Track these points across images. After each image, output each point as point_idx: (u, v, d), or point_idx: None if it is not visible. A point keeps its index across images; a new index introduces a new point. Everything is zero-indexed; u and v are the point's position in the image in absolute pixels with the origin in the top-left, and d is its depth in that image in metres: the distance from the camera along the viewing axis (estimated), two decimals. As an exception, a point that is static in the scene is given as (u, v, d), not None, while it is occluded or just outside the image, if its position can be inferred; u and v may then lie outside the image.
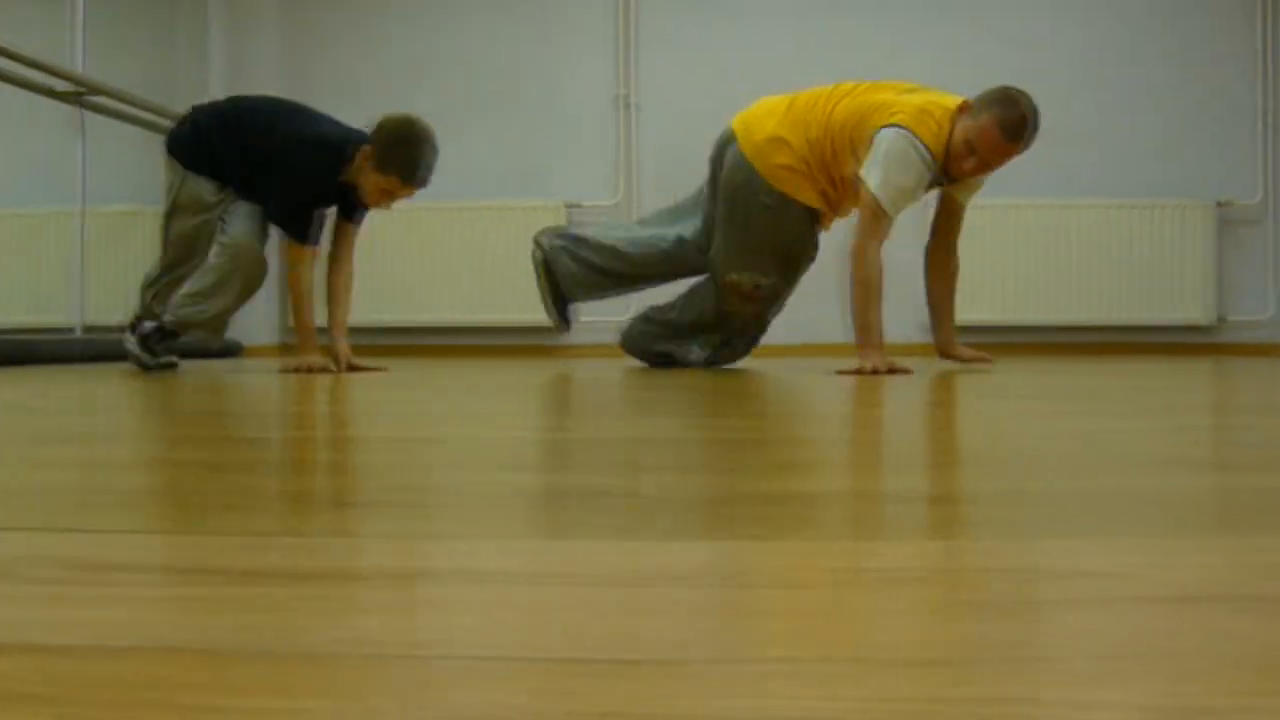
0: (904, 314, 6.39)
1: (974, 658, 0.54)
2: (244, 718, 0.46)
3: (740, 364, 4.82)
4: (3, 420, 2.03)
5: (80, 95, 6.16)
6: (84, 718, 0.46)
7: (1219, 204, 7.32)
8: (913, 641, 0.57)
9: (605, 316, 7.20)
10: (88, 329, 6.55)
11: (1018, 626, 0.59)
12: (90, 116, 6.37)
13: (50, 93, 6.00)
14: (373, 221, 7.54)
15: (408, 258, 7.55)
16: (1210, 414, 2.13)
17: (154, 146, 7.42)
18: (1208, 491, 1.09)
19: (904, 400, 2.55)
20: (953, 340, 4.57)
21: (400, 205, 7.50)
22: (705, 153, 7.10)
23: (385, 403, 2.48)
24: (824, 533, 0.87)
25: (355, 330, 7.60)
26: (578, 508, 0.99)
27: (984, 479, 1.17)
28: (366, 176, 4.44)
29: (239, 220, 4.46)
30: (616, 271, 4.66)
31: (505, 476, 1.21)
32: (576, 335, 7.53)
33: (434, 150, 4.45)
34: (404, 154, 4.39)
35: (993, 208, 7.34)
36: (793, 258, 4.45)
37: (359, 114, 7.67)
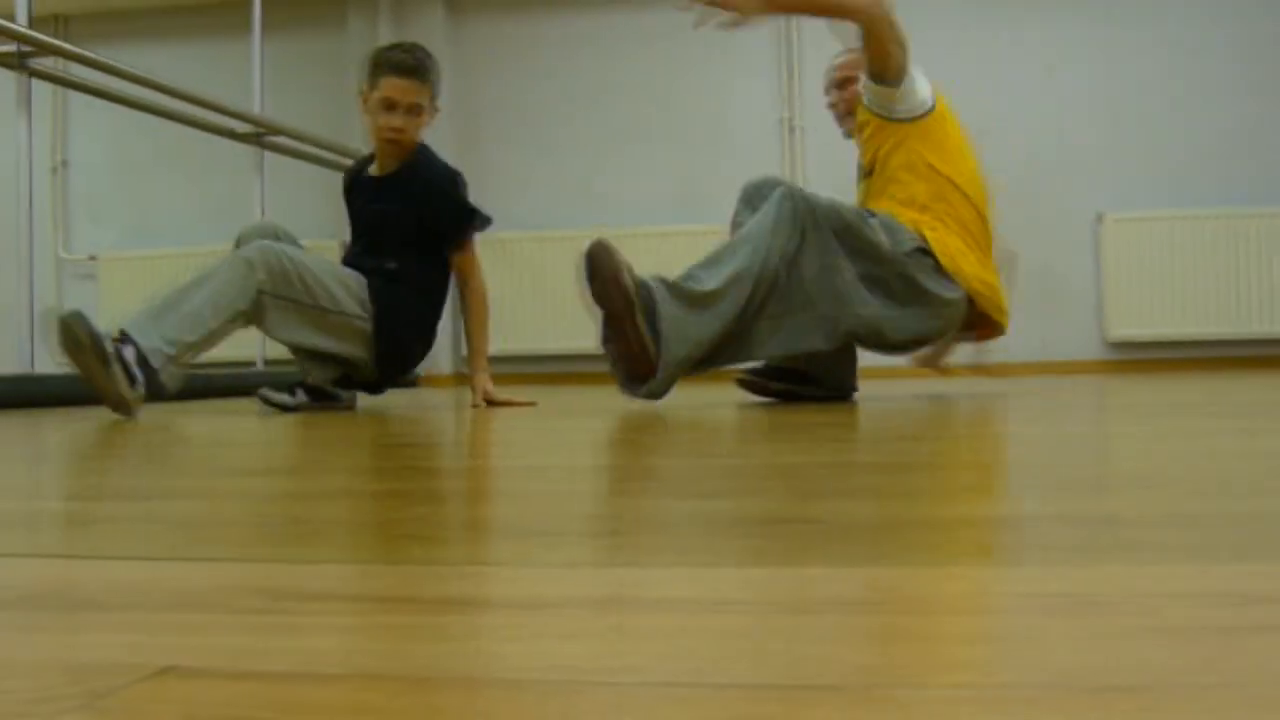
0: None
1: (1158, 683, 0.54)
2: (450, 742, 0.48)
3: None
4: (199, 453, 2.11)
5: (259, 135, 6.37)
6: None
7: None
8: (1096, 667, 0.57)
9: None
10: (269, 362, 6.75)
11: (1200, 652, 0.59)
12: (269, 155, 6.57)
13: (231, 134, 6.21)
14: (539, 249, 7.68)
15: (569, 286, 7.64)
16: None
17: (330, 183, 7.65)
18: None
19: (1076, 418, 2.51)
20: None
21: (558, 232, 7.62)
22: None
23: (554, 431, 2.52)
24: (1001, 558, 0.87)
25: (524, 359, 7.73)
26: (752, 535, 1.00)
27: (1166, 500, 1.16)
28: (367, 118, 4.19)
29: None
30: None
31: (678, 504, 1.23)
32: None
33: (391, 46, 4.24)
34: (371, 62, 4.19)
35: (1171, 219, 7.19)
36: None
37: (524, 142, 7.84)
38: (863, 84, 3.97)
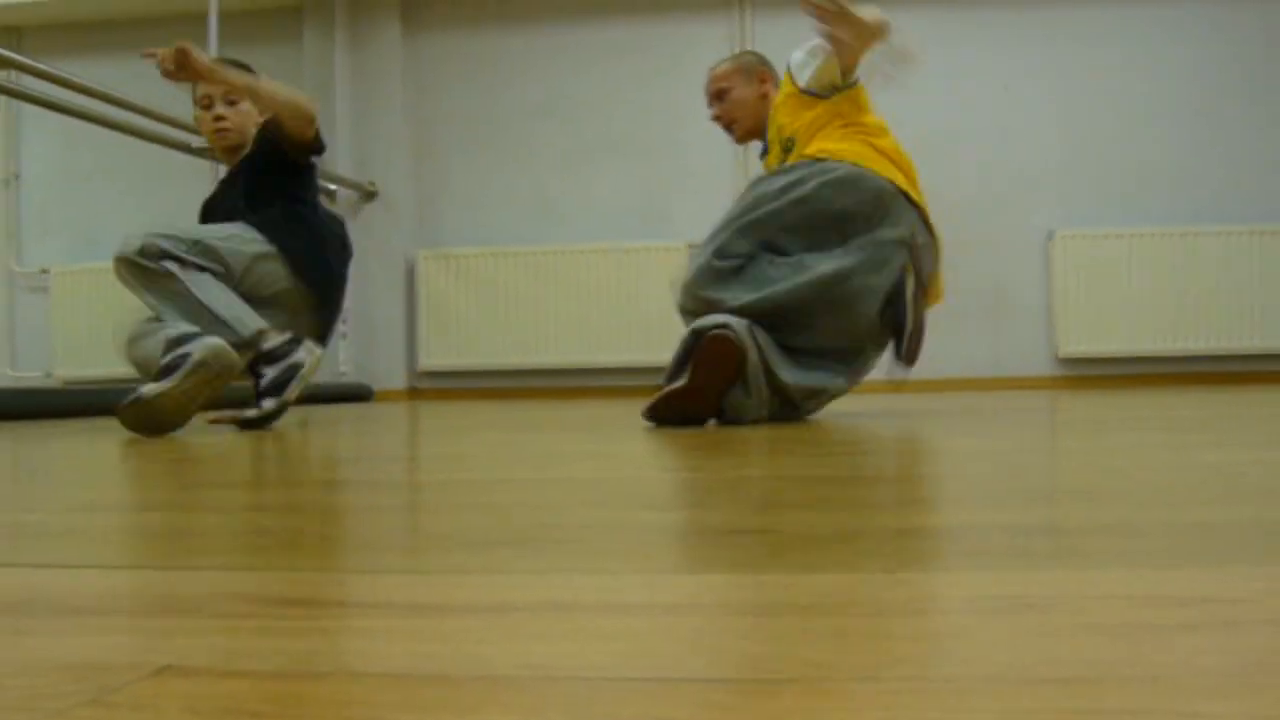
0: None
1: (1091, 676, 0.58)
2: (438, 730, 0.52)
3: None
4: (168, 468, 2.13)
5: (210, 150, 6.36)
6: (298, 731, 0.52)
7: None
8: (1036, 661, 0.61)
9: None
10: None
11: (1135, 648, 0.64)
12: (221, 169, 6.57)
13: (186, 148, 6.22)
14: (495, 264, 7.71)
15: (532, 301, 7.66)
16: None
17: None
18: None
19: (1024, 432, 2.57)
20: None
21: (516, 248, 7.65)
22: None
23: (516, 445, 2.56)
24: (944, 564, 0.92)
25: (482, 374, 7.75)
26: (710, 544, 1.04)
27: (1105, 510, 1.21)
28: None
29: None
30: None
31: (640, 515, 1.27)
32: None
33: None
34: None
35: (1121, 237, 7.29)
36: None
37: (481, 157, 7.88)
38: (801, 65, 3.93)
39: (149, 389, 3.23)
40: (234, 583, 0.90)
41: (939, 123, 7.42)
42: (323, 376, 7.58)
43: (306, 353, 3.61)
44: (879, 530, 1.09)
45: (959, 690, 0.56)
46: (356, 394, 7.33)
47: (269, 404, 3.60)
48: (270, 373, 3.60)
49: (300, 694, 0.58)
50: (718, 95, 4.22)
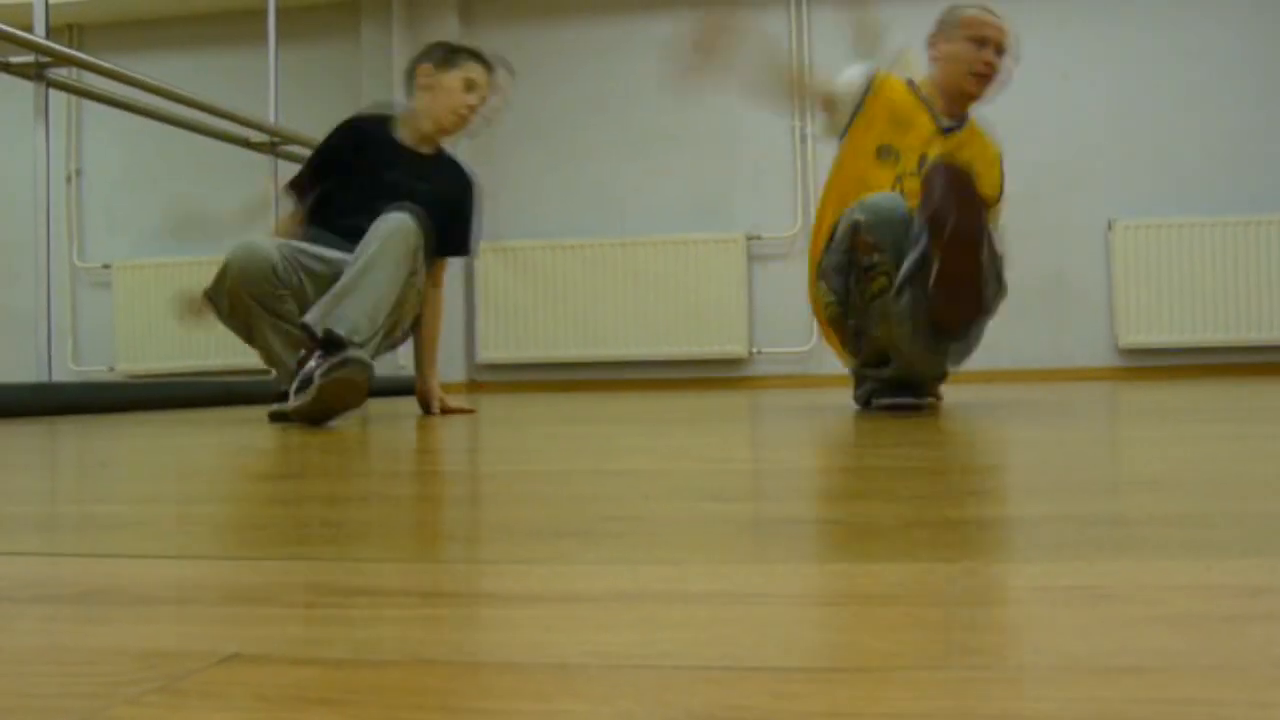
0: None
1: (1162, 665, 0.58)
2: (508, 718, 0.52)
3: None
4: (222, 460, 2.15)
5: (274, 144, 6.42)
6: (366, 717, 0.52)
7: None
8: (1104, 650, 0.61)
9: (787, 348, 7.26)
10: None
11: (1206, 638, 0.63)
12: (284, 165, 6.63)
13: (245, 143, 6.26)
14: (553, 257, 7.73)
15: (590, 293, 7.67)
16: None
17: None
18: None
19: (1089, 423, 2.55)
20: None
21: (573, 241, 7.66)
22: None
23: (576, 437, 2.56)
24: (1016, 554, 0.91)
25: (541, 366, 7.78)
26: (774, 534, 1.04)
27: (1173, 500, 1.19)
28: (426, 94, 4.11)
29: None
30: None
31: (703, 506, 1.27)
32: (760, 366, 7.59)
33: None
34: (443, 48, 4.15)
35: (1182, 226, 7.22)
36: None
37: (538, 150, 7.90)
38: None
39: (290, 406, 3.27)
40: (300, 572, 0.91)
41: (999, 113, 7.36)
42: (382, 370, 7.62)
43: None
44: (943, 520, 1.09)
45: (1028, 679, 0.56)
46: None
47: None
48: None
49: (368, 682, 0.59)
50: (999, 50, 3.91)
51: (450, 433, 2.90)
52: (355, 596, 0.81)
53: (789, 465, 1.74)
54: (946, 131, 3.81)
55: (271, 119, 6.49)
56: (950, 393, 4.95)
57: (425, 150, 4.14)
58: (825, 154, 7.56)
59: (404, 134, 4.12)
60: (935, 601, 0.74)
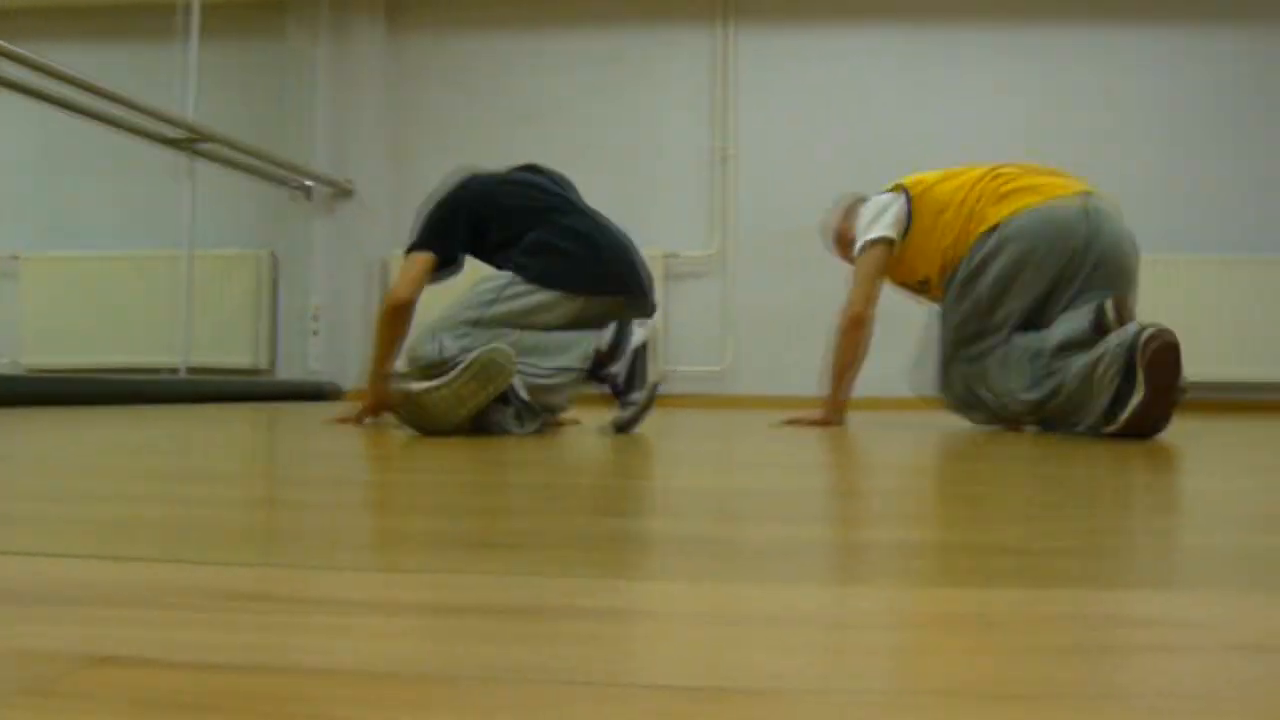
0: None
1: (1046, 694, 0.58)
2: (382, 729, 0.51)
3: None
4: (119, 460, 2.11)
5: (191, 142, 6.34)
6: (240, 725, 0.51)
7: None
8: (991, 678, 0.61)
9: (701, 366, 7.27)
10: (191, 369, 6.72)
11: (1092, 667, 0.63)
12: (200, 163, 6.55)
13: (161, 139, 6.19)
14: (470, 265, 7.70)
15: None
16: (1266, 476, 2.14)
17: (259, 193, 7.62)
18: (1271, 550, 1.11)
19: (997, 449, 2.57)
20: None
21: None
22: (800, 204, 7.15)
23: (478, 448, 2.54)
24: (910, 579, 0.91)
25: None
26: (672, 554, 1.03)
27: (1070, 530, 1.20)
28: None
29: None
30: None
31: (606, 522, 1.26)
32: (673, 385, 7.59)
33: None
34: None
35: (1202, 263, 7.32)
36: None
37: (464, 158, 7.86)
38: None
39: (419, 386, 3.14)
40: (183, 576, 0.89)
41: (919, 145, 7.44)
42: (292, 374, 7.55)
43: (639, 326, 3.48)
44: (836, 543, 1.09)
45: (910, 705, 0.56)
46: (323, 392, 7.30)
47: (637, 396, 3.48)
48: (619, 369, 3.47)
49: (242, 688, 0.57)
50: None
51: (351, 439, 2.87)
52: (235, 601, 0.79)
53: (684, 484, 1.74)
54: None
55: (190, 114, 6.41)
56: (873, 418, 4.97)
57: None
58: (744, 174, 7.61)
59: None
60: (824, 624, 0.74)
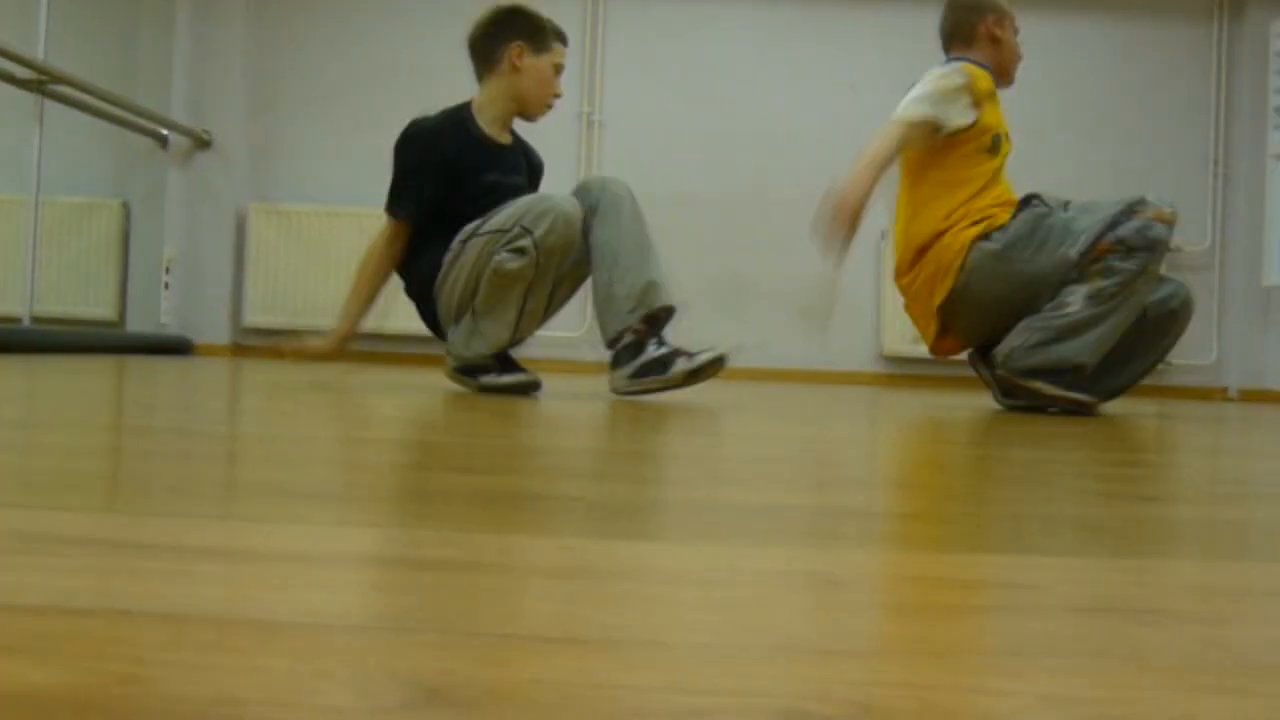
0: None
1: (882, 650, 0.58)
2: (199, 673, 0.49)
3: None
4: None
5: (41, 84, 6.15)
6: (53, 666, 0.49)
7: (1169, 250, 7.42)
8: (828, 634, 0.61)
9: (558, 332, 7.26)
10: (36, 319, 6.53)
11: (927, 626, 0.64)
12: (50, 106, 6.35)
13: (10, 79, 5.99)
14: (327, 224, 7.60)
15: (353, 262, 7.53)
16: (1157, 453, 2.19)
17: (113, 140, 7.43)
18: (1132, 520, 1.13)
19: (850, 424, 2.60)
20: None
21: (348, 209, 7.53)
22: (668, 170, 7.17)
23: (333, 405, 2.51)
24: (752, 539, 0.91)
25: (308, 334, 7.64)
26: (513, 508, 1.02)
27: (917, 498, 1.22)
28: (512, 78, 3.81)
29: None
30: None
31: (448, 477, 1.25)
32: (529, 350, 7.56)
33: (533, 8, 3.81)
34: (531, 23, 3.82)
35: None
36: None
37: (320, 115, 7.73)
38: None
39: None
40: (13, 520, 0.85)
41: (781, 121, 7.49)
42: (142, 326, 7.39)
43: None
44: (687, 503, 1.09)
45: (747, 658, 0.55)
46: (175, 346, 7.15)
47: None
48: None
49: (65, 630, 0.55)
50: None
51: (200, 393, 2.81)
52: (64, 546, 0.76)
53: (538, 443, 1.72)
54: None
55: (40, 55, 6.21)
56: (729, 390, 5.01)
57: (505, 140, 3.86)
58: (610, 140, 7.59)
59: (484, 123, 3.81)
60: (664, 580, 0.73)
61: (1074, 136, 7.62)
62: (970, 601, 0.71)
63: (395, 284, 3.75)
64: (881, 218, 7.57)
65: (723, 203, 7.46)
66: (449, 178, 3.60)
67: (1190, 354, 7.42)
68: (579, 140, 7.66)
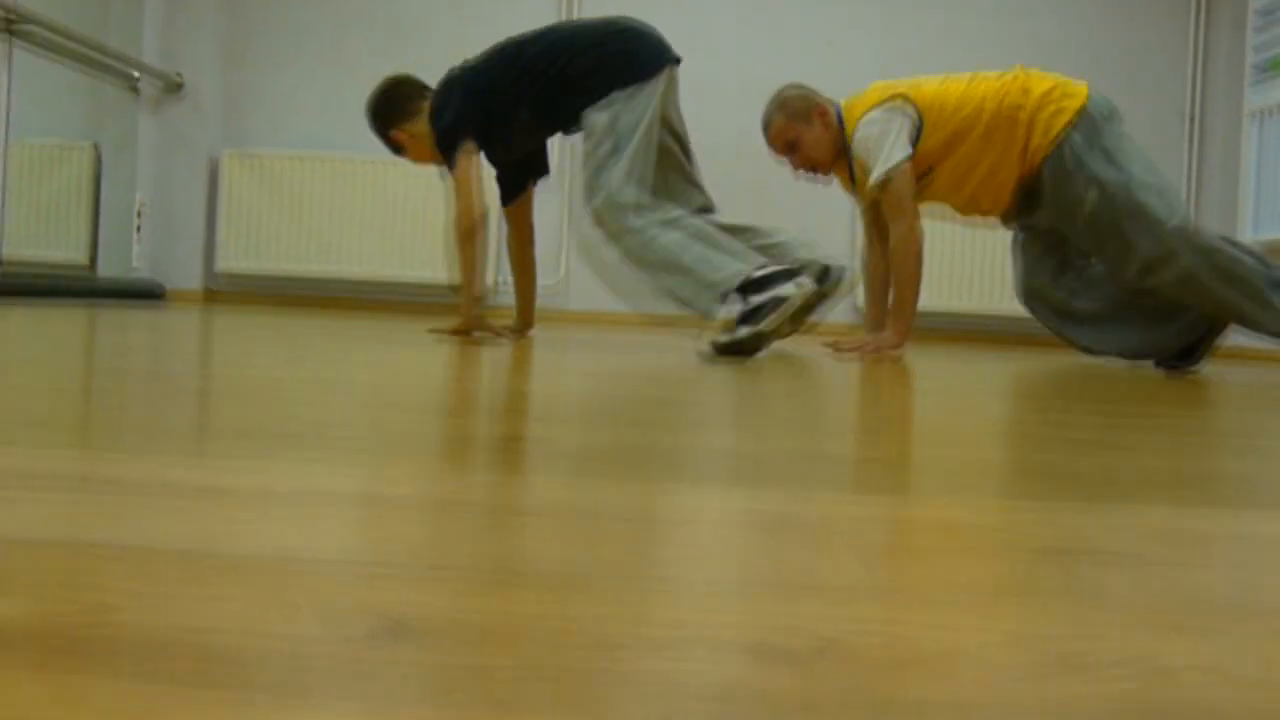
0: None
1: (849, 588, 0.58)
2: (166, 603, 0.49)
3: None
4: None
5: (10, 24, 6.07)
6: (17, 595, 0.49)
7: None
8: (796, 573, 0.61)
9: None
10: (6, 263, 6.47)
11: (894, 566, 0.64)
12: (19, 47, 6.28)
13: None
14: (300, 169, 7.54)
15: (335, 210, 7.49)
16: (1133, 404, 2.20)
17: (84, 83, 7.35)
18: (1102, 468, 1.14)
19: (828, 371, 2.60)
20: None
21: (321, 154, 7.48)
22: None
23: (303, 349, 2.50)
24: (723, 481, 0.91)
25: (281, 280, 7.60)
26: (483, 449, 1.02)
27: (889, 444, 1.22)
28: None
29: None
30: None
31: (416, 418, 1.24)
32: (506, 298, 7.56)
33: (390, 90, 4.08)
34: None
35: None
36: None
37: (300, 59, 7.67)
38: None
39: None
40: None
41: (764, 75, 7.46)
42: (114, 272, 7.34)
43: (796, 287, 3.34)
44: (657, 447, 1.09)
45: (714, 595, 0.55)
46: (146, 292, 7.11)
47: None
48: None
49: (27, 562, 0.55)
50: (789, 149, 4.14)
51: (173, 337, 2.79)
52: (31, 480, 0.76)
53: (514, 388, 1.72)
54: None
55: (10, -4, 6.13)
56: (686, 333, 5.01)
57: None
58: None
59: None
60: (634, 518, 0.74)
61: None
62: (938, 543, 0.71)
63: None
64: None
65: (702, 154, 7.44)
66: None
67: (1162, 309, 7.45)
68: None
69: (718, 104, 7.35)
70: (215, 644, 0.44)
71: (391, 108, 4.04)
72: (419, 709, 0.38)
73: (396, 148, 4.12)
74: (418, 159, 4.14)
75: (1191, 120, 7.62)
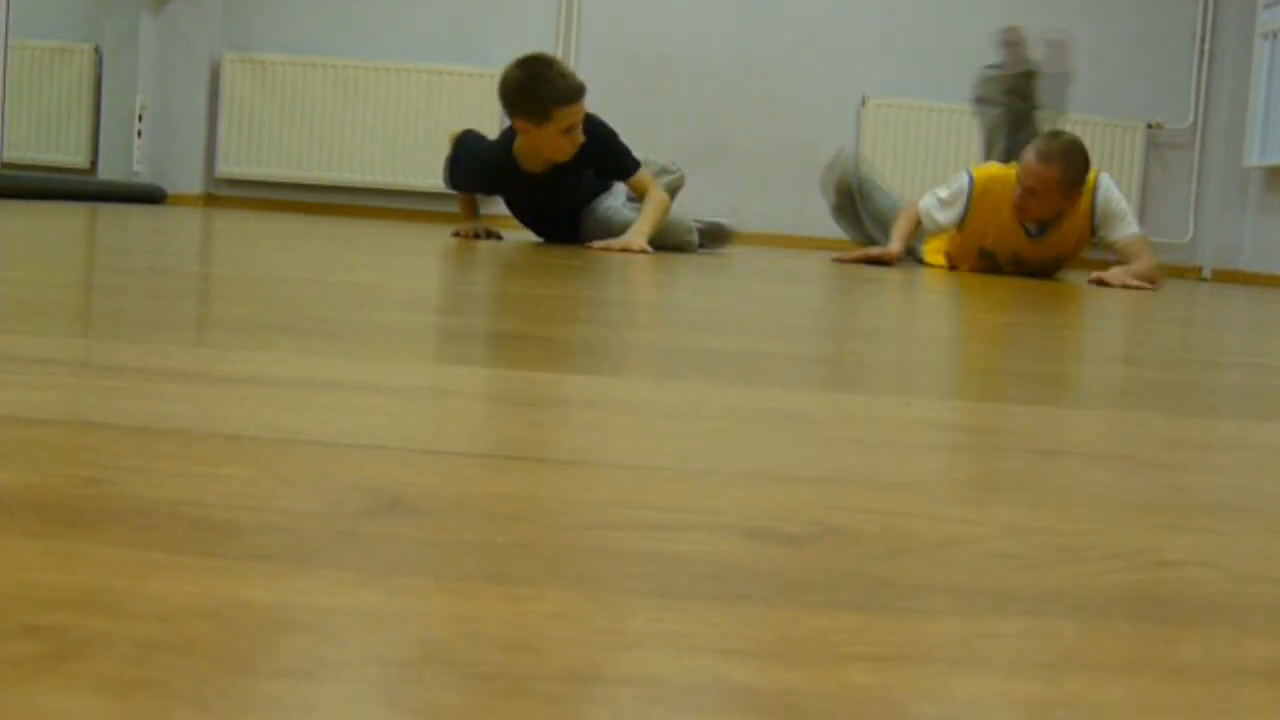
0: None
1: (848, 479, 0.58)
2: (163, 478, 0.49)
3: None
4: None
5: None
6: (14, 469, 0.48)
7: (1149, 126, 7.36)
8: (795, 463, 0.61)
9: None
10: (7, 165, 6.44)
11: (893, 460, 0.64)
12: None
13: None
14: (302, 74, 7.49)
15: (337, 115, 7.45)
16: (1132, 324, 2.20)
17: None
18: (1103, 379, 1.14)
19: (828, 282, 2.60)
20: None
21: (323, 59, 7.43)
22: (648, 29, 7.08)
23: (305, 252, 2.49)
24: (712, 378, 0.91)
25: (281, 185, 7.57)
26: (480, 345, 1.02)
27: (882, 349, 1.22)
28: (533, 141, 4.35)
29: None
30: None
31: (412, 316, 1.24)
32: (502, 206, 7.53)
33: (543, 76, 4.30)
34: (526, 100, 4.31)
35: (924, 109, 7.38)
36: None
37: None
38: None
39: None
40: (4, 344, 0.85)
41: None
42: (115, 175, 7.31)
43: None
44: (658, 346, 1.08)
45: (712, 481, 0.55)
46: (147, 195, 7.08)
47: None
48: None
49: (23, 437, 0.54)
50: (1054, 212, 4.58)
51: (175, 238, 2.78)
52: (31, 364, 0.76)
53: (511, 291, 1.72)
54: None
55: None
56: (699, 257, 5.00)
57: (545, 169, 4.41)
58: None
59: (524, 162, 4.44)
60: (638, 410, 0.73)
61: (1058, 12, 7.53)
62: (938, 440, 0.71)
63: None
64: (864, 84, 7.52)
65: (703, 64, 7.37)
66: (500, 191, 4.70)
67: (1166, 232, 7.42)
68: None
69: (719, 12, 7.26)
70: (211, 516, 0.44)
71: (528, 106, 4.31)
72: (415, 579, 0.38)
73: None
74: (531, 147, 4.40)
75: (1202, 41, 7.54)
